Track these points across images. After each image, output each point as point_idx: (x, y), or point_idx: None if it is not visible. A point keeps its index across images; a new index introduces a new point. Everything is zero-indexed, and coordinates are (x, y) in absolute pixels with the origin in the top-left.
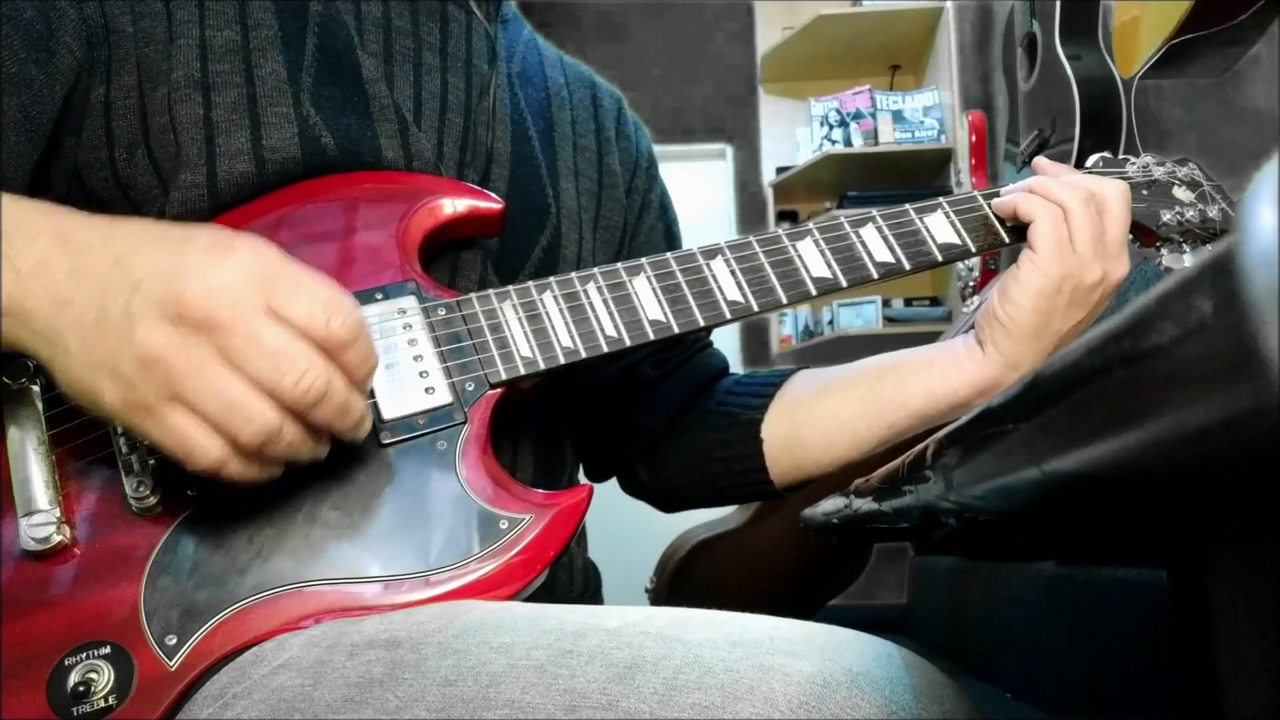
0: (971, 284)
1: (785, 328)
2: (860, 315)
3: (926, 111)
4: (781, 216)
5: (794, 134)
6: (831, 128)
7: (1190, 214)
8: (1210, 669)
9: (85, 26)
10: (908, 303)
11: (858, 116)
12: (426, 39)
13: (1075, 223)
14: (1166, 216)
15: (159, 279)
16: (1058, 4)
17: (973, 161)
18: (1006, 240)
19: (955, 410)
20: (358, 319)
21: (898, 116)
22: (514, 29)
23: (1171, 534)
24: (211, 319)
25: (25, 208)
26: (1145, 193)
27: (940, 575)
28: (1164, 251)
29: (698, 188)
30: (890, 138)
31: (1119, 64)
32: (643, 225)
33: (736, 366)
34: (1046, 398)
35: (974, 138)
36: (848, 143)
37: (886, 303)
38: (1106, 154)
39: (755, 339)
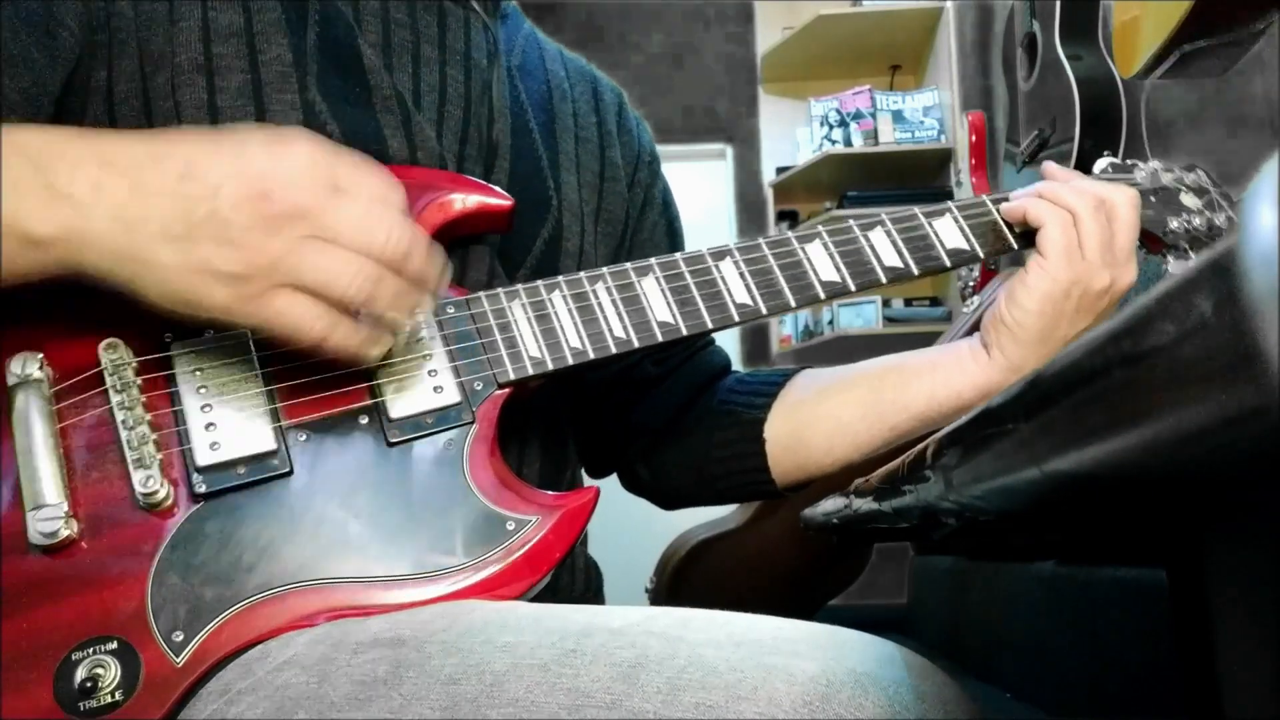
0: (971, 284)
1: (785, 327)
2: (860, 315)
3: (926, 111)
4: (781, 216)
5: (794, 134)
6: (831, 128)
7: (1197, 221)
8: (1210, 669)
9: (86, 9)
10: (908, 303)
11: (858, 116)
12: (424, 32)
13: (1085, 229)
14: (1174, 224)
15: (235, 181)
16: (1058, 4)
17: (973, 161)
18: (1015, 246)
19: (958, 413)
20: (404, 195)
21: (898, 116)
22: (513, 24)
23: (1171, 534)
24: (297, 207)
25: (59, 135)
26: (1153, 199)
27: (940, 575)
28: (1170, 259)
29: (698, 188)
30: (890, 138)
31: (1119, 64)
32: (645, 221)
33: (736, 366)
34: (1046, 398)
35: (974, 138)
36: (848, 143)
37: (887, 303)
38: (1114, 159)
39: (755, 339)
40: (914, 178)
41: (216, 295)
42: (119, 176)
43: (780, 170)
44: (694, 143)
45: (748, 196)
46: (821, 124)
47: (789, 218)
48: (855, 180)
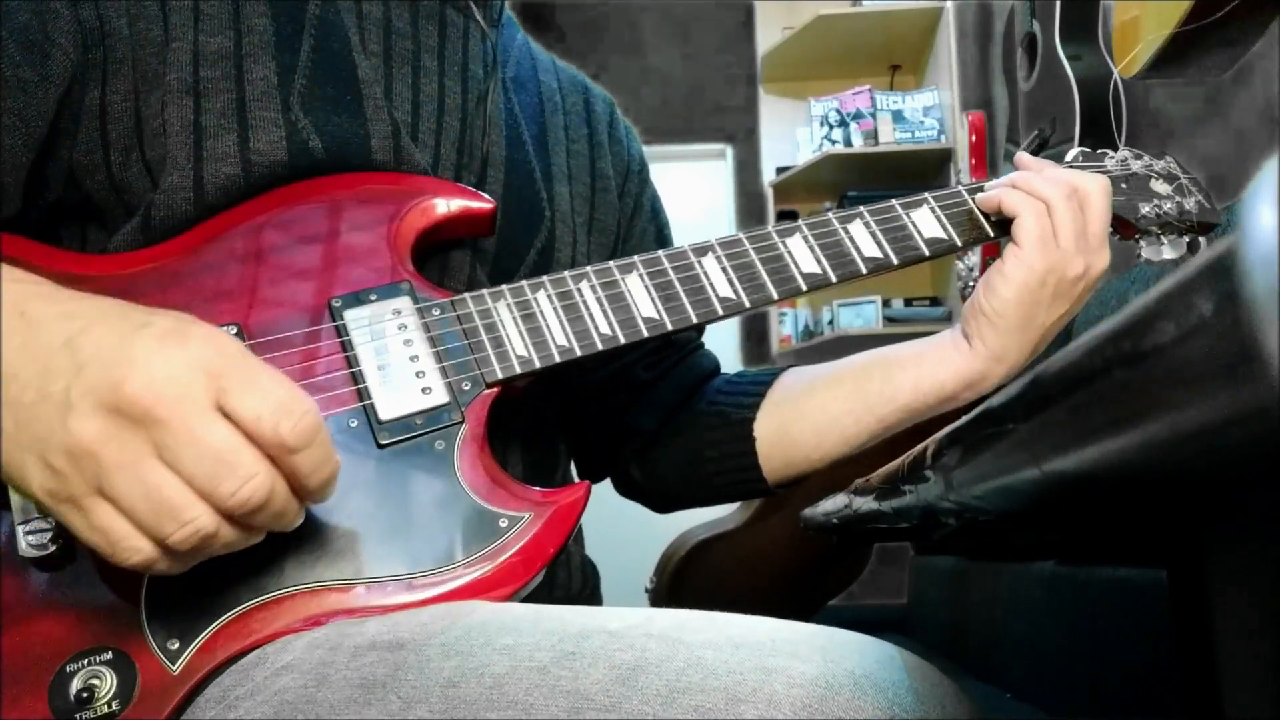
0: (971, 284)
1: (785, 328)
2: (860, 315)
3: (926, 111)
4: (781, 216)
5: (794, 134)
6: (831, 128)
7: (1168, 206)
8: (1210, 669)
9: (80, 29)
10: (908, 303)
11: (858, 116)
12: (425, 42)
13: (1058, 217)
14: (1145, 209)
15: (101, 366)
16: (1058, 4)
17: (973, 161)
18: (991, 234)
19: (942, 403)
20: (312, 424)
21: (898, 116)
22: (508, 33)
23: (1171, 534)
24: (150, 413)
25: (5, 274)
26: (1124, 186)
27: (940, 575)
28: (1143, 244)
29: (698, 188)
30: (890, 138)
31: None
32: (635, 228)
33: (736, 367)
34: (1046, 398)
35: (974, 138)
36: (848, 143)
37: (886, 303)
38: (1085, 148)
39: (755, 339)
40: (914, 178)
41: (34, 482)
42: (22, 331)
43: (780, 170)
44: (694, 143)
45: (748, 196)
46: (821, 124)
47: (789, 218)
48: (855, 180)
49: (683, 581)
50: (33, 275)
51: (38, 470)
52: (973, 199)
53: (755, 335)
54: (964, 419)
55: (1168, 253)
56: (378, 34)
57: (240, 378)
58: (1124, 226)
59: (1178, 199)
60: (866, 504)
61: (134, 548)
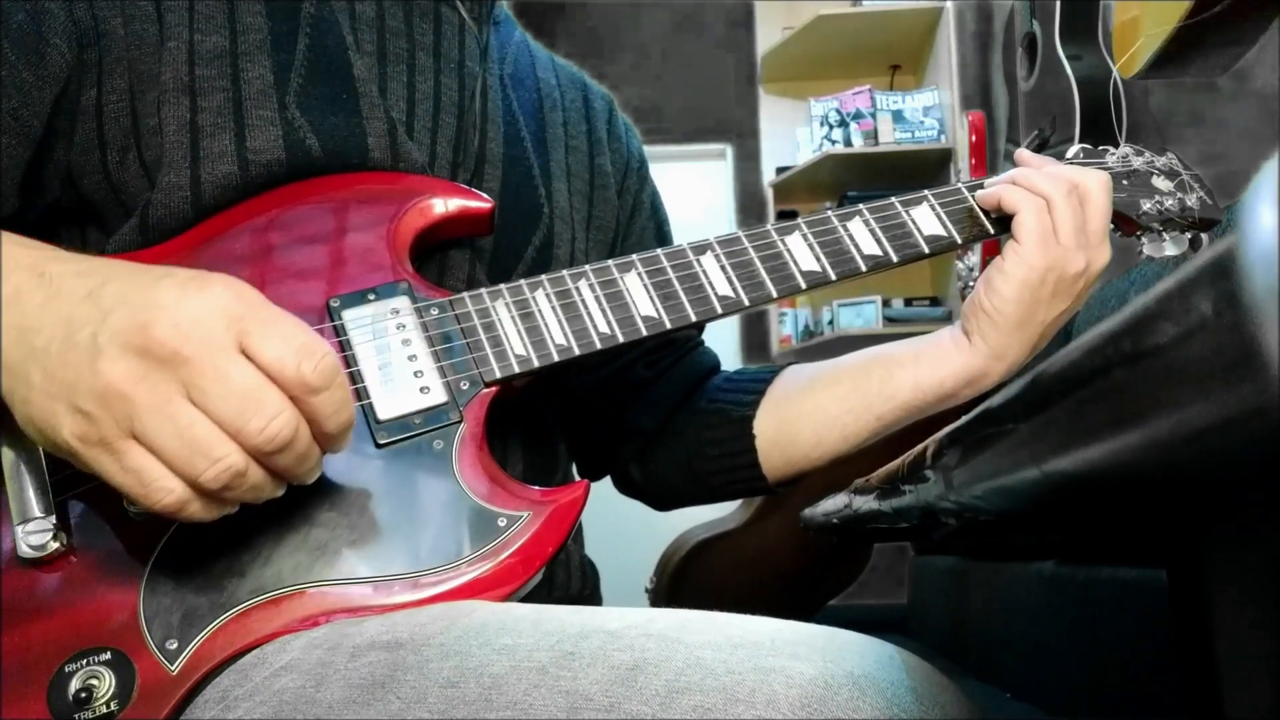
0: (971, 283)
1: (785, 328)
2: (860, 315)
3: (926, 111)
4: (781, 216)
5: (794, 134)
6: (831, 128)
7: (1170, 203)
8: (1210, 669)
9: (75, 29)
10: (908, 303)
11: (858, 116)
12: (420, 40)
13: (1058, 214)
14: (1146, 205)
15: (127, 310)
16: (1058, 4)
17: (973, 161)
18: (991, 231)
19: (942, 401)
20: (332, 365)
21: (898, 116)
22: (505, 30)
23: (1171, 534)
24: (178, 354)
25: (5, 240)
26: (1125, 182)
27: (940, 575)
28: (1144, 240)
29: (698, 188)
30: (890, 138)
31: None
32: (634, 226)
33: (736, 366)
34: (1046, 398)
35: (974, 138)
36: (848, 143)
37: (887, 303)
38: (1086, 145)
39: (755, 339)
40: (914, 178)
41: (65, 429)
42: (40, 289)
43: (780, 170)
44: (694, 143)
45: (748, 196)
46: (821, 124)
47: (789, 218)
48: (855, 180)
49: (683, 581)
50: (50, 246)
51: (69, 417)
52: (973, 196)
53: (755, 335)
54: (964, 419)
55: (1169, 249)
56: (371, 33)
57: (262, 321)
58: (1125, 223)
59: (1179, 195)
60: (866, 504)
61: (166, 488)
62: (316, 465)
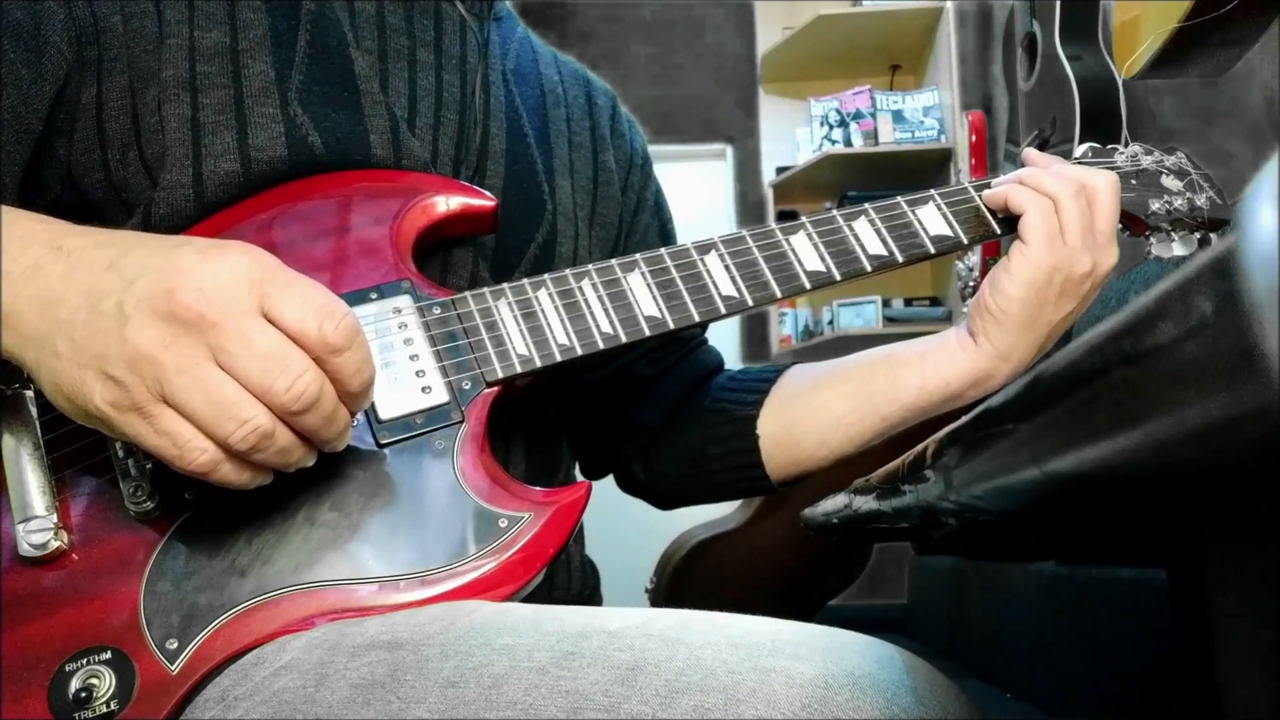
0: (972, 284)
1: (785, 327)
2: (860, 315)
3: (926, 111)
4: (781, 216)
5: (794, 134)
6: (831, 128)
7: (1179, 202)
8: (1210, 669)
9: (75, 26)
10: (908, 302)
11: (858, 116)
12: (421, 36)
13: (1065, 214)
14: (1155, 205)
15: (151, 277)
16: (1058, 4)
17: (973, 161)
18: (998, 231)
19: (948, 402)
20: (353, 325)
21: (898, 116)
22: (508, 26)
23: (1171, 534)
24: (204, 318)
25: (20, 215)
26: (1134, 182)
27: (940, 575)
28: (1153, 240)
29: (698, 188)
30: (890, 138)
31: (1119, 64)
32: (638, 223)
33: (736, 366)
34: (1046, 398)
35: (974, 138)
36: (848, 143)
37: (887, 303)
38: (1095, 144)
39: (755, 339)
40: (914, 178)
41: (96, 396)
42: (59, 261)
43: (780, 170)
44: (694, 143)
45: (748, 196)
46: (821, 124)
47: (789, 218)
48: (855, 180)
49: (683, 581)
50: (62, 220)
51: (99, 384)
52: (979, 196)
53: (755, 335)
54: (964, 419)
55: (1178, 249)
56: (372, 30)
57: (281, 284)
58: (1134, 223)
59: (1189, 195)
60: (866, 504)
61: (199, 448)
62: (345, 429)
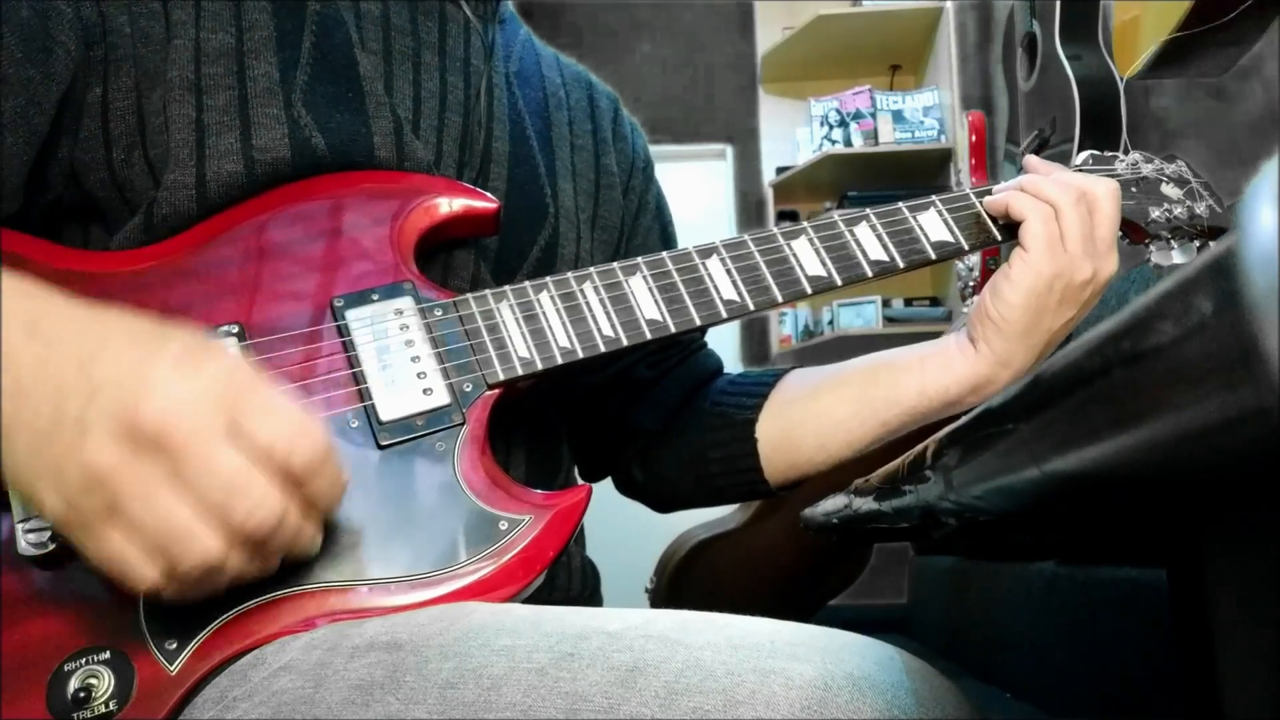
0: (971, 284)
1: (785, 328)
2: (860, 315)
3: (926, 111)
4: (781, 216)
5: (794, 134)
6: (831, 128)
7: (1178, 210)
8: (1210, 669)
9: (82, 26)
10: (908, 303)
11: (858, 116)
12: (425, 38)
13: (1066, 221)
14: (1155, 213)
15: (116, 389)
16: (1058, 4)
17: (973, 161)
18: (999, 238)
19: (948, 407)
20: (325, 446)
21: (898, 116)
22: (510, 29)
23: (1171, 534)
24: (166, 439)
25: (9, 285)
26: (1134, 190)
27: (940, 575)
28: (1153, 248)
29: (698, 188)
30: (890, 138)
31: (1119, 64)
32: (639, 226)
33: (736, 366)
34: (1046, 398)
35: (974, 138)
36: (848, 143)
37: (886, 303)
38: (1095, 151)
39: (755, 339)
40: (914, 178)
41: (49, 504)
42: (35, 346)
43: (780, 170)
44: (694, 143)
45: (748, 196)
46: (821, 124)
47: (789, 218)
48: (855, 180)
49: (682, 582)
50: (41, 288)
51: (52, 494)
52: (980, 202)
53: (755, 335)
54: (964, 419)
55: (1178, 257)
56: (377, 31)
57: (255, 403)
58: (1134, 231)
59: (1189, 203)
60: (866, 504)
61: (142, 574)
62: (312, 543)
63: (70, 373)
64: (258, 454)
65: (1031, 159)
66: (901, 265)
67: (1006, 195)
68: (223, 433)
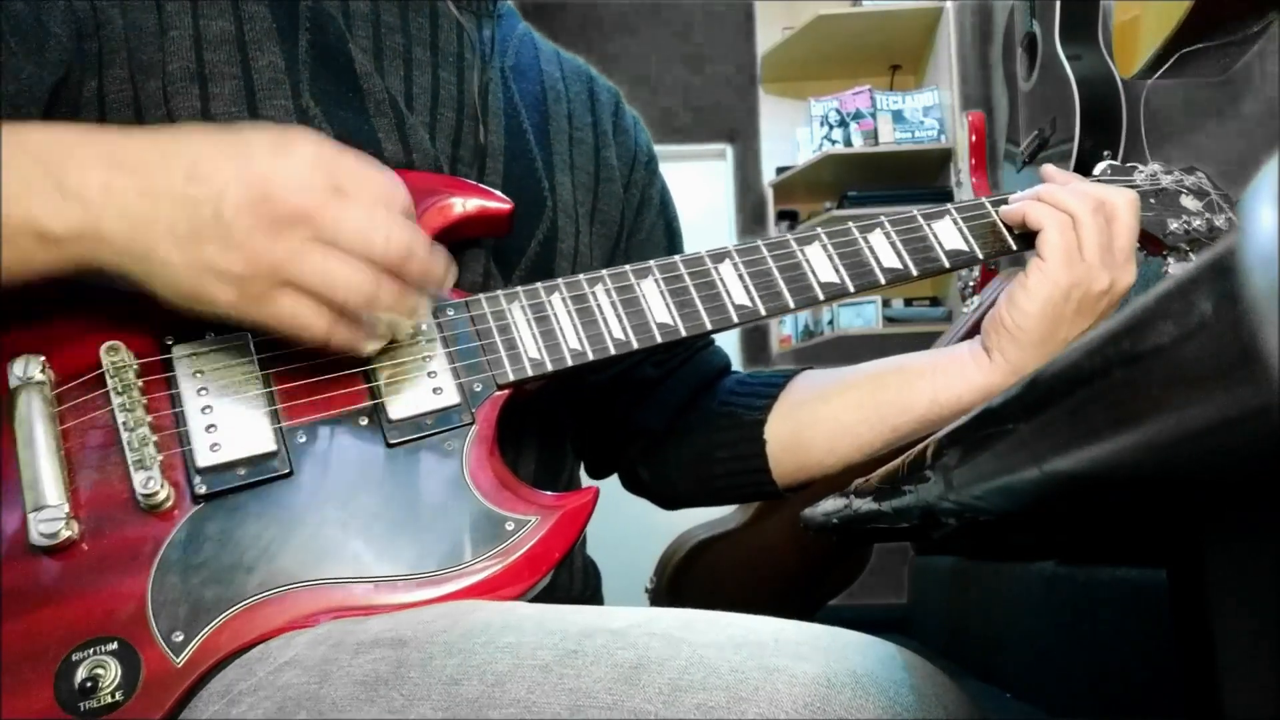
0: (971, 284)
1: (785, 327)
2: (860, 315)
3: (926, 111)
4: (781, 216)
5: (794, 134)
6: (831, 128)
7: (1197, 223)
8: (1210, 669)
9: (75, 18)
10: (908, 303)
11: (858, 116)
12: (416, 35)
13: (1084, 231)
14: (1174, 225)
15: (238, 184)
16: (1058, 4)
17: (973, 161)
18: (1014, 248)
19: (958, 415)
20: (407, 193)
21: (898, 116)
22: (508, 24)
23: (1171, 534)
24: (298, 210)
25: (67, 134)
26: (1153, 201)
27: (940, 575)
28: (1170, 260)
29: (698, 188)
30: (890, 138)
31: (1119, 64)
32: (643, 222)
33: (736, 366)
34: (1046, 398)
35: (974, 138)
36: (848, 143)
37: (886, 303)
38: (1114, 161)
39: (755, 339)
40: (914, 178)
41: (221, 295)
42: (127, 177)
43: (780, 170)
44: (694, 143)
45: (748, 196)
46: (821, 124)
47: (789, 218)
48: (855, 180)
49: (683, 581)
50: (100, 127)
51: (220, 285)
52: (996, 211)
53: (755, 335)
54: (964, 419)
55: None
56: (367, 28)
57: (350, 165)
58: (1152, 243)
59: (1208, 215)
60: (866, 504)
61: (315, 320)
62: (447, 272)
63: (182, 188)
64: (370, 201)
65: (1049, 169)
66: (915, 273)
67: (1024, 204)
68: (335, 194)
